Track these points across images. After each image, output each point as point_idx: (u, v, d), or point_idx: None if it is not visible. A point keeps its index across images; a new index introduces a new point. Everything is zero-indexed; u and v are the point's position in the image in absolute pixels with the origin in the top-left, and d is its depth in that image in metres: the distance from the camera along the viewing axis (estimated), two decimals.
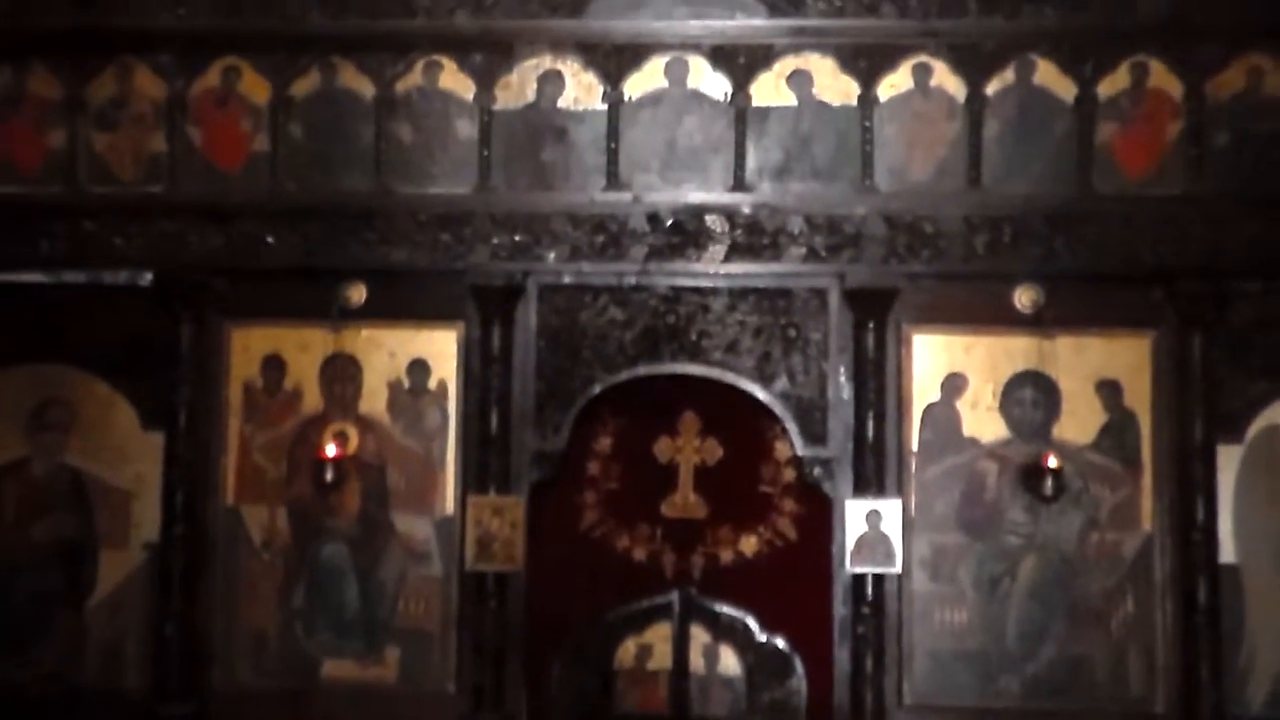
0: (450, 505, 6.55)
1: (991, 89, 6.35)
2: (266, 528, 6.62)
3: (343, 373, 6.64)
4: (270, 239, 6.53)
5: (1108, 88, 6.31)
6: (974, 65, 6.34)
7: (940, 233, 6.32)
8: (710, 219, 6.39)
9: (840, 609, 6.37)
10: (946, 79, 6.38)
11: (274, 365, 6.67)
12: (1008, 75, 6.35)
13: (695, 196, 6.40)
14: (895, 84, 6.39)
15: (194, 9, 6.59)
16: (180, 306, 6.58)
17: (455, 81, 6.53)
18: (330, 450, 6.45)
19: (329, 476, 6.43)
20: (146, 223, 6.57)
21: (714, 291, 6.49)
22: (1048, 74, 6.34)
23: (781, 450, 6.55)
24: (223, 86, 6.60)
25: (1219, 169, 6.26)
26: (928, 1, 6.39)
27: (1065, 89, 6.32)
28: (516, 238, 6.45)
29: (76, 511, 6.69)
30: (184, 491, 6.53)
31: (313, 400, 6.65)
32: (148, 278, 6.68)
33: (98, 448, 6.71)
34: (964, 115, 6.34)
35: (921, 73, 6.38)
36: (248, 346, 6.68)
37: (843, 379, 6.41)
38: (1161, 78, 6.30)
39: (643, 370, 6.52)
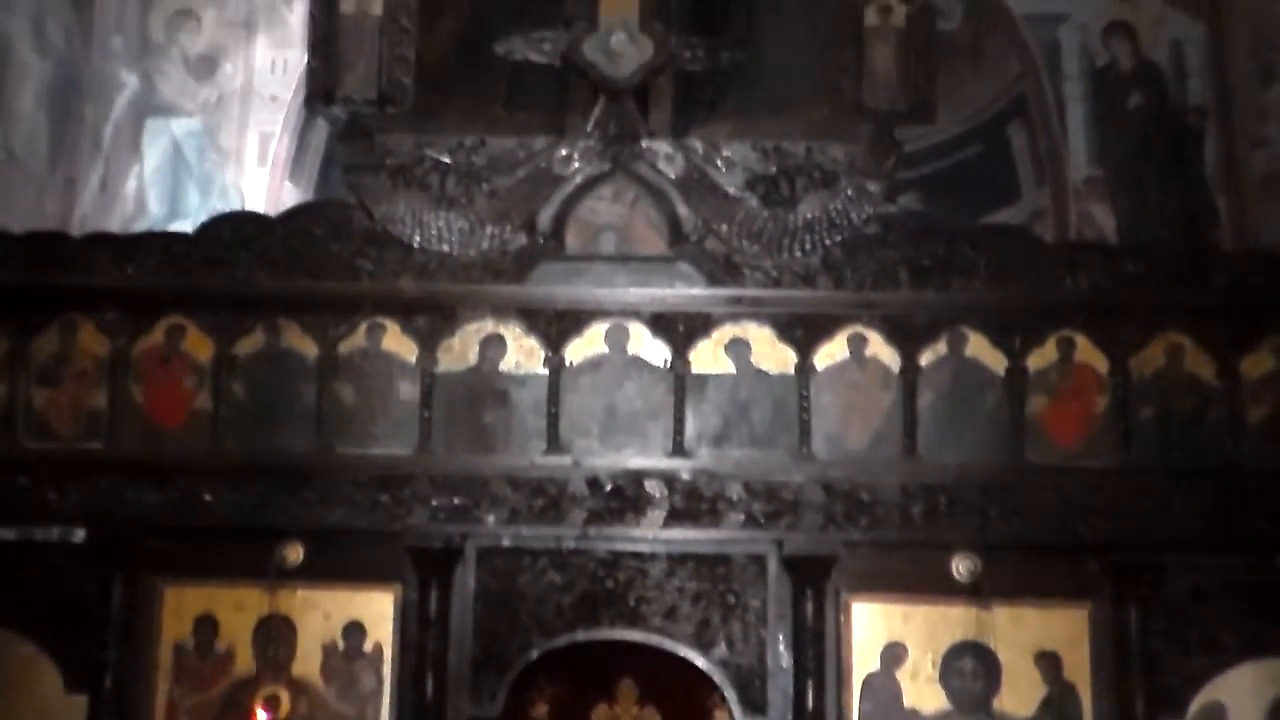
0: None
1: (925, 360, 6.49)
2: None
3: (276, 634, 6.49)
4: (208, 497, 6.49)
5: (1036, 361, 6.48)
6: (907, 336, 6.50)
7: (877, 501, 6.38)
8: (649, 484, 6.42)
9: None
10: (881, 349, 6.52)
11: (206, 626, 6.52)
12: (940, 347, 6.50)
13: (635, 462, 6.44)
14: (831, 353, 6.52)
15: (141, 268, 6.68)
16: (113, 564, 6.46)
17: (398, 344, 6.60)
18: (261, 715, 6.29)
19: None
20: (82, 479, 6.50)
21: (653, 557, 6.48)
22: (979, 346, 6.50)
23: (720, 719, 6.46)
24: (167, 344, 6.63)
25: (1146, 443, 6.39)
26: (861, 273, 6.59)
27: (996, 361, 6.48)
28: (456, 500, 6.44)
29: None
30: None
31: (245, 662, 6.49)
32: (80, 535, 6.59)
33: (16, 711, 6.45)
34: (898, 385, 6.47)
35: (857, 342, 6.53)
36: (180, 606, 6.54)
37: (782, 647, 6.36)
38: (1087, 353, 6.47)
39: (581, 636, 6.45)
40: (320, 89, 6.85)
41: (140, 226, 9.86)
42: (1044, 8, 10.52)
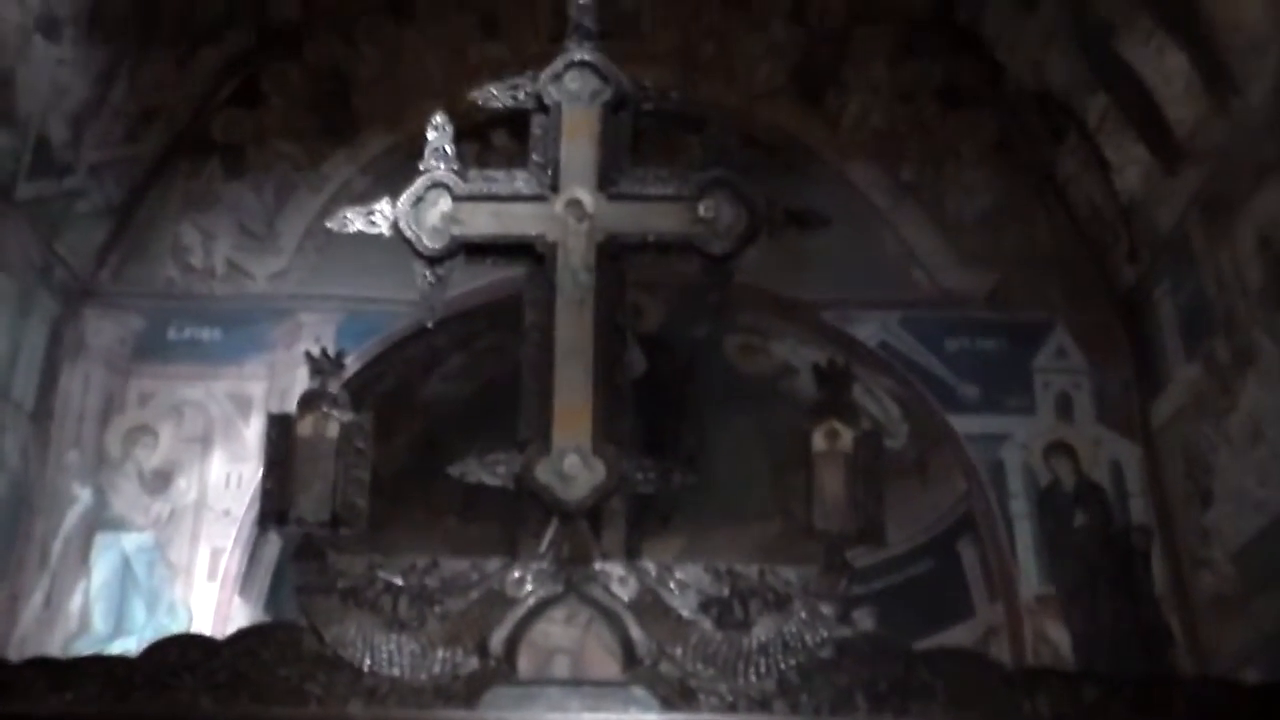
0: None
1: None
2: None
3: None
4: None
5: None
6: None
7: None
8: None
9: None
10: None
11: None
12: None
13: None
14: None
15: (81, 694, 6.44)
16: None
17: None
18: None
19: None
20: None
21: None
22: None
23: None
24: None
25: None
26: (818, 698, 6.46)
27: None
28: None
29: None
30: None
31: None
32: None
33: None
34: None
35: None
36: None
37: None
38: None
39: None
40: (273, 510, 6.85)
41: (83, 644, 9.68)
42: (986, 427, 10.86)
